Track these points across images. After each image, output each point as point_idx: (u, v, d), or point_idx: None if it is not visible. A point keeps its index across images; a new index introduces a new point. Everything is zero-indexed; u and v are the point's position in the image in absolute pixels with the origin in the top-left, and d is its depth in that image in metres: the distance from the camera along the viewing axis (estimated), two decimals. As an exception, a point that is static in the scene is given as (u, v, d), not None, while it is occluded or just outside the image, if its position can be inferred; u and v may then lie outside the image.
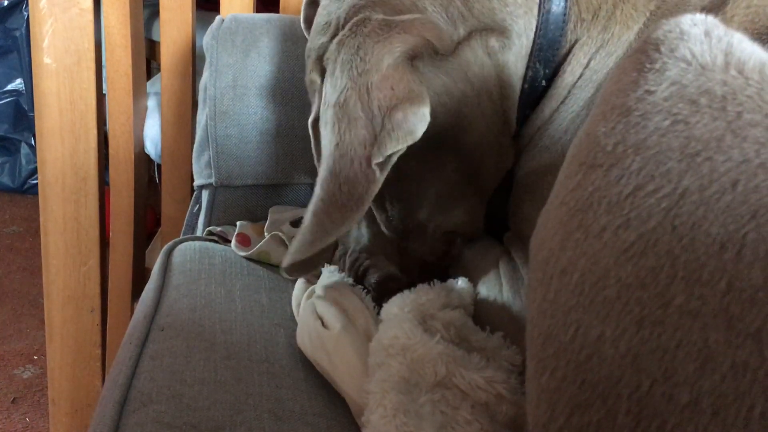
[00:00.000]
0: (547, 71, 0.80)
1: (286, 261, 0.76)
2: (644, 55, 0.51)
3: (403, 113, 0.72)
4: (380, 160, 0.71)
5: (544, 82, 0.80)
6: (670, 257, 0.42)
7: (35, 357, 1.85)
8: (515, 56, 0.79)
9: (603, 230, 0.45)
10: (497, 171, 0.84)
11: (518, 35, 0.79)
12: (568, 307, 0.45)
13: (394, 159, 0.73)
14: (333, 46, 0.75)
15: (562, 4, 0.79)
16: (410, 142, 0.72)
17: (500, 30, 0.78)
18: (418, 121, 0.71)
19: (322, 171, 0.73)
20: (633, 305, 0.42)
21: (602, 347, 0.43)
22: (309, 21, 0.97)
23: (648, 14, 0.78)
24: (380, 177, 0.72)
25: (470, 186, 0.83)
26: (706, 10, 0.74)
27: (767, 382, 0.39)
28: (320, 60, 0.79)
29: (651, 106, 0.48)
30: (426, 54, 0.75)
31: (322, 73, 0.77)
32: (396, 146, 0.71)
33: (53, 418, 1.41)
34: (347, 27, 0.75)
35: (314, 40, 0.81)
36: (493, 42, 0.78)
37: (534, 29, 0.79)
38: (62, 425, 1.41)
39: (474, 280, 0.81)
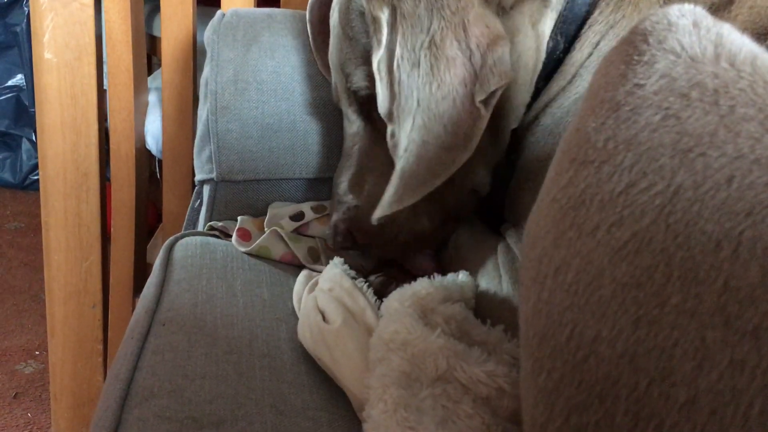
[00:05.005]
0: (565, 45, 0.81)
1: (385, 209, 0.75)
2: (632, 46, 0.50)
3: (502, 49, 0.73)
4: (484, 97, 0.71)
5: (561, 55, 0.81)
6: (665, 256, 0.42)
7: (37, 352, 1.85)
8: (548, 27, 0.80)
9: (596, 228, 0.45)
10: (508, 134, 0.85)
11: (554, 6, 0.79)
12: (563, 307, 0.45)
13: (498, 95, 0.73)
14: None
15: None
16: (510, 79, 0.72)
17: (546, 1, 0.79)
18: (509, 59, 0.72)
19: (420, 114, 0.72)
20: (629, 305, 0.42)
21: (599, 347, 0.42)
22: (313, 22, 0.97)
23: (662, 3, 0.78)
24: (485, 114, 0.72)
25: (492, 147, 0.84)
26: (715, 7, 0.74)
27: (765, 379, 0.39)
28: None
29: (641, 100, 0.47)
30: (494, 3, 0.76)
31: (393, 10, 0.76)
32: (499, 82, 0.72)
33: (55, 414, 1.42)
34: None
35: None
36: (536, 9, 0.79)
37: (564, 1, 0.79)
38: (64, 420, 1.41)
39: (473, 273, 0.81)
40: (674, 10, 0.51)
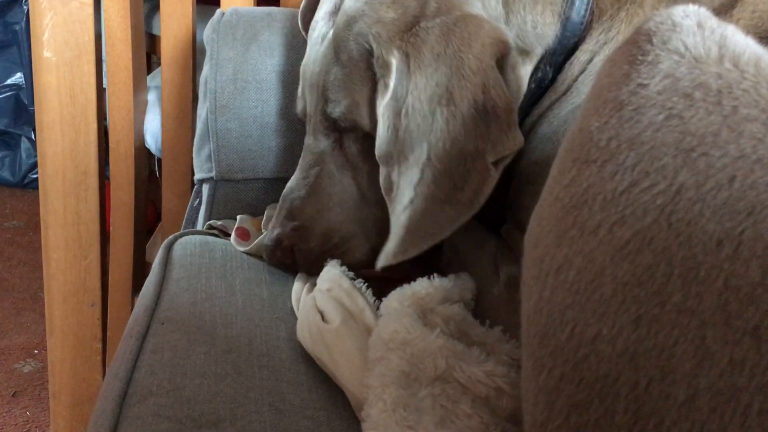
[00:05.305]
0: (554, 75, 0.81)
1: (389, 260, 0.75)
2: (636, 47, 0.50)
3: (515, 115, 0.73)
4: (495, 159, 0.71)
5: (548, 84, 0.82)
6: (666, 255, 0.42)
7: (36, 351, 1.85)
8: (528, 69, 0.81)
9: (598, 227, 0.45)
10: None
11: (538, 51, 0.80)
12: (564, 306, 0.45)
13: (509, 159, 0.73)
14: (421, 31, 0.75)
15: (582, 11, 0.79)
16: (522, 145, 0.73)
17: (526, 51, 0.80)
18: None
19: (430, 168, 0.73)
20: (629, 303, 0.42)
21: (599, 346, 0.43)
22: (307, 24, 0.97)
23: None
24: (495, 175, 0.72)
25: None
26: (716, 12, 0.75)
27: (765, 378, 0.39)
28: (399, 40, 0.76)
29: (644, 99, 0.47)
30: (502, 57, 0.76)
31: (406, 57, 0.76)
32: (512, 147, 0.72)
33: (54, 412, 1.42)
34: (433, 15, 0.75)
35: (378, 12, 0.79)
36: (517, 59, 0.79)
37: (552, 38, 0.80)
38: (63, 419, 1.41)
39: (471, 274, 0.81)
40: (678, 11, 0.51)
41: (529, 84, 0.81)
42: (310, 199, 0.87)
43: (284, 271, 0.89)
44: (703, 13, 0.51)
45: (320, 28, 0.87)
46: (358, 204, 0.86)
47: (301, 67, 0.91)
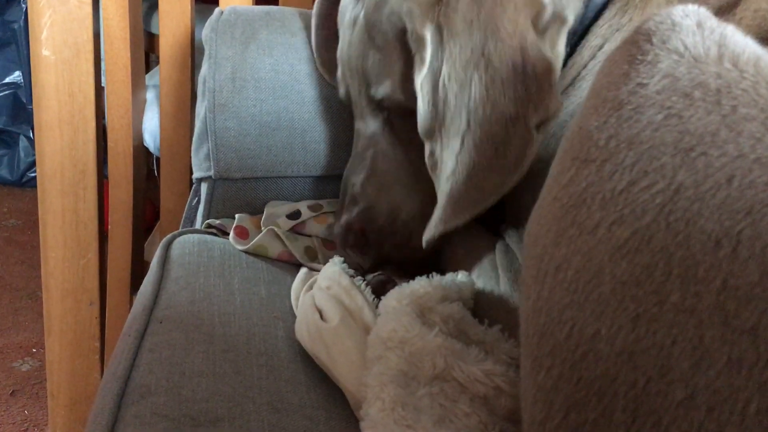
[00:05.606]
0: (568, 49, 0.81)
1: (433, 231, 0.75)
2: (635, 46, 0.50)
3: (555, 76, 0.73)
4: (538, 122, 0.71)
5: (565, 60, 0.81)
6: (665, 254, 0.42)
7: (34, 350, 1.85)
8: (563, 45, 0.80)
9: (597, 226, 0.45)
10: None
11: (570, 18, 0.80)
12: (563, 305, 0.45)
13: (553, 120, 0.73)
14: (452, 1, 0.75)
15: None
16: (562, 108, 0.72)
17: (560, 16, 0.79)
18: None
19: (471, 135, 0.72)
20: (628, 302, 0.42)
21: (598, 345, 0.43)
22: (320, 15, 0.97)
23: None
24: (538, 138, 0.72)
25: None
26: (722, 10, 0.75)
27: (763, 378, 0.39)
28: (431, 13, 0.76)
29: (644, 99, 0.47)
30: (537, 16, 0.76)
31: (438, 28, 0.76)
32: (555, 109, 0.72)
33: (52, 411, 1.42)
34: None
35: None
36: (556, 31, 0.79)
37: (580, 8, 0.80)
38: (61, 418, 1.41)
39: (470, 272, 0.81)
40: (678, 10, 0.51)
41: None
42: (370, 181, 0.88)
43: (358, 260, 0.88)
44: (703, 12, 0.51)
45: (350, 11, 0.88)
46: (415, 180, 0.86)
47: (338, 53, 0.92)
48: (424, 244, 0.78)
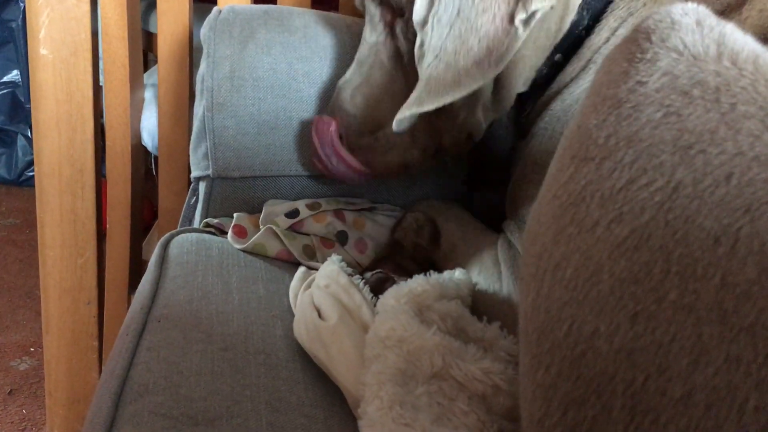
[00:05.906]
0: (589, 22, 0.81)
1: (406, 111, 0.77)
2: (635, 44, 0.50)
3: None
4: (524, 16, 0.71)
5: (583, 32, 0.82)
6: (663, 252, 0.42)
7: (32, 349, 1.85)
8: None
9: (596, 225, 0.45)
10: (512, 94, 0.86)
11: None
12: (562, 303, 0.45)
13: (537, 18, 0.73)
14: None
15: None
16: (553, 3, 0.73)
17: None
18: None
19: (458, 24, 0.74)
20: (627, 300, 0.42)
21: (596, 343, 0.43)
22: None
23: None
24: (522, 35, 0.73)
25: (494, 99, 0.86)
26: (728, 9, 0.75)
27: (761, 375, 0.39)
28: None
29: (643, 97, 0.47)
30: None
31: None
32: (541, 2, 0.72)
33: (50, 410, 1.42)
34: None
35: None
36: None
37: None
38: (59, 417, 1.41)
39: (471, 269, 0.81)
40: (677, 8, 0.51)
41: (563, 27, 0.82)
42: (360, 90, 0.90)
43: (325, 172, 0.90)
44: (702, 11, 0.51)
45: None
46: (405, 97, 0.87)
47: None
48: (395, 125, 0.79)
